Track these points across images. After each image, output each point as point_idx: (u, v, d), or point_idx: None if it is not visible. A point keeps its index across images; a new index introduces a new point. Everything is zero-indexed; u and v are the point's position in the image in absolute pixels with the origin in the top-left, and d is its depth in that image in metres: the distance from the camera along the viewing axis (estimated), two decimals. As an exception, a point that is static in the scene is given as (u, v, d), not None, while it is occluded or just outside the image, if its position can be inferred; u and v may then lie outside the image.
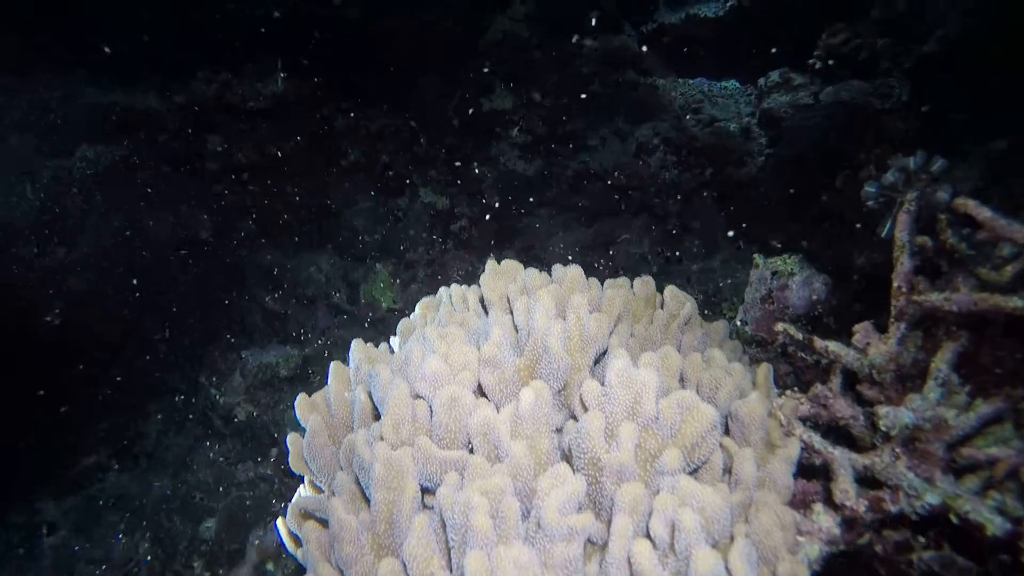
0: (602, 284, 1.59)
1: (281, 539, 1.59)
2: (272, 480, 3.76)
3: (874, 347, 1.35)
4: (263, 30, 3.98)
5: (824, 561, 1.13)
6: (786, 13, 4.41)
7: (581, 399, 1.15)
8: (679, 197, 3.84)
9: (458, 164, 4.38)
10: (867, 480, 1.26)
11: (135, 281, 4.18)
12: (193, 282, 4.31)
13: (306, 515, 1.43)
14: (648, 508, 1.00)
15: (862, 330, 1.36)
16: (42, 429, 4.30)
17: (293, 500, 1.53)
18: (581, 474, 1.06)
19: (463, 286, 1.62)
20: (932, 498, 1.19)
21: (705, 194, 3.84)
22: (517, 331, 1.38)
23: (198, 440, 4.15)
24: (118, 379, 4.37)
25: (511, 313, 1.45)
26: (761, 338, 2.18)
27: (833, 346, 1.38)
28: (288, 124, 4.36)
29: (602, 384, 1.13)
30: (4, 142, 3.56)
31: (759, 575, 0.89)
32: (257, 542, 3.38)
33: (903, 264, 1.33)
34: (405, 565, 1.01)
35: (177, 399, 4.29)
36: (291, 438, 1.49)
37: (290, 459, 1.50)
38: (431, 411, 1.19)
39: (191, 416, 4.24)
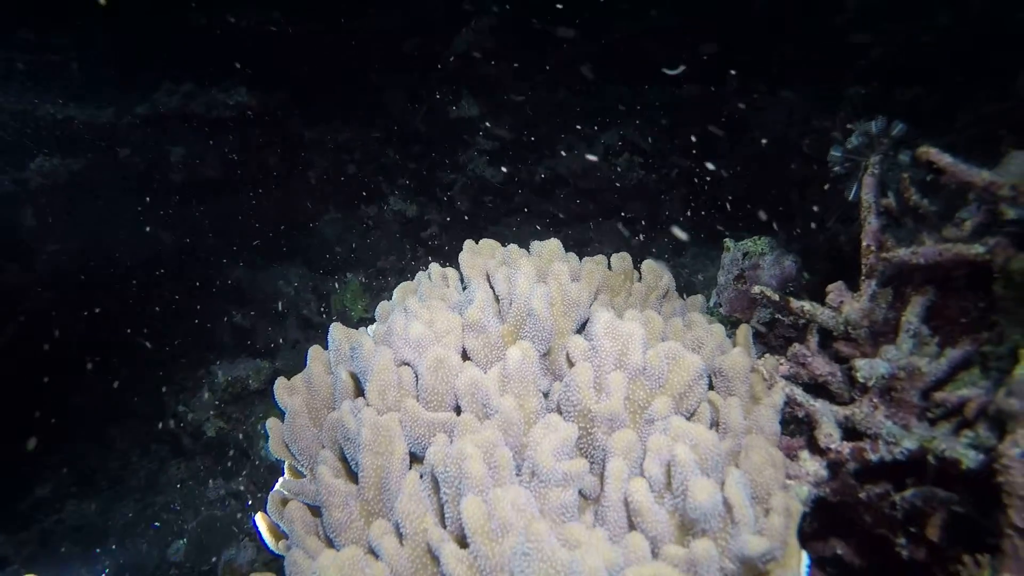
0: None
1: (260, 535, 1.53)
2: (244, 496, 3.64)
3: (847, 305, 1.39)
4: (228, 42, 3.95)
5: (813, 503, 1.14)
6: (744, 22, 4.57)
7: (568, 355, 1.15)
8: (648, 197, 3.91)
9: (426, 172, 4.39)
10: (848, 431, 1.28)
11: (95, 300, 4.04)
12: (157, 299, 4.19)
13: (287, 501, 1.39)
14: (640, 455, 1.00)
15: (835, 289, 1.40)
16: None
17: (273, 489, 1.49)
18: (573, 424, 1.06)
19: (442, 266, 1.61)
20: (909, 443, 1.22)
21: (673, 192, 3.91)
22: (499, 301, 1.37)
23: (165, 460, 4.00)
24: (77, 402, 4.20)
25: (492, 287, 1.45)
26: (736, 318, 2.22)
27: (808, 306, 1.41)
28: (253, 136, 4.32)
29: (588, 341, 1.14)
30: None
31: (753, 511, 0.90)
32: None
33: (871, 224, 1.38)
34: (397, 525, 0.99)
35: (142, 419, 4.13)
36: (271, 423, 1.46)
37: (270, 444, 1.46)
38: (416, 377, 1.18)
39: (157, 436, 4.08)
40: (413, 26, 4.47)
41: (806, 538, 1.43)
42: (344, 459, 1.26)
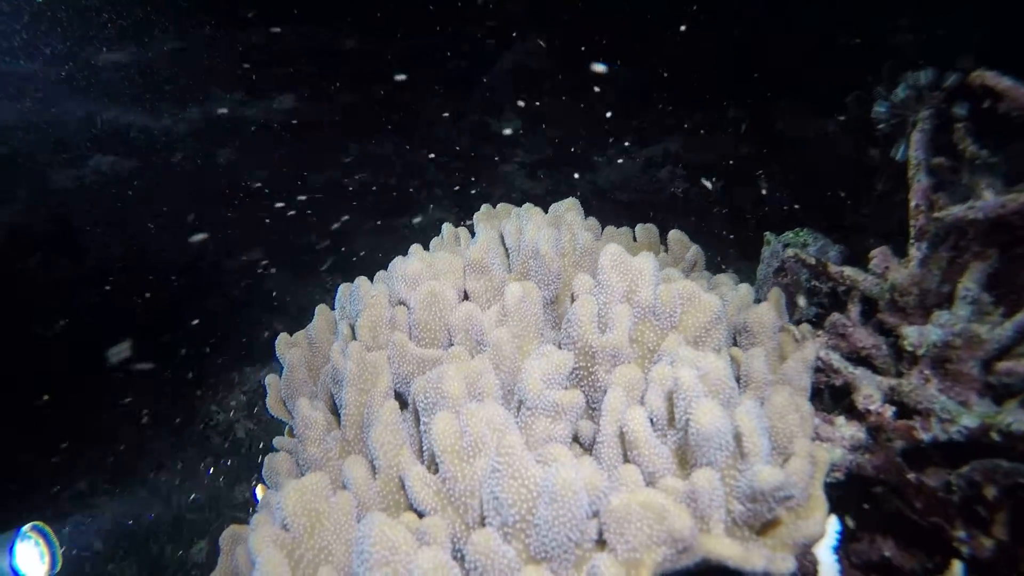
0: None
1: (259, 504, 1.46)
2: (266, 497, 3.60)
3: (894, 270, 1.25)
4: (279, 54, 4.10)
5: (848, 470, 1.00)
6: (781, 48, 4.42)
7: (572, 295, 1.05)
8: (690, 209, 3.80)
9: (466, 184, 4.39)
10: (895, 408, 1.13)
11: (139, 298, 4.16)
12: (198, 300, 4.27)
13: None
14: (643, 394, 0.89)
15: (880, 254, 1.26)
16: (33, 452, 4.19)
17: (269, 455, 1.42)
18: (574, 372, 0.96)
19: (456, 227, 1.55)
20: (968, 420, 1.06)
21: (715, 210, 3.79)
22: (508, 256, 1.29)
23: (195, 460, 4.01)
24: (116, 399, 4.29)
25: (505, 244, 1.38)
26: (775, 315, 2.08)
27: (849, 271, 1.28)
28: (298, 145, 4.43)
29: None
30: (21, 155, 3.63)
31: (769, 445, 0.77)
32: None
33: (920, 182, 1.25)
34: (372, 459, 0.90)
35: (176, 419, 4.18)
36: (270, 379, 1.40)
37: (268, 402, 1.40)
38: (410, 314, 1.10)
39: (190, 436, 4.11)
40: (460, 44, 4.55)
41: (848, 539, 1.27)
42: (335, 410, 1.18)
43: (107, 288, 3.95)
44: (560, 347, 1.02)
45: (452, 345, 1.05)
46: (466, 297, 1.15)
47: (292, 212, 4.48)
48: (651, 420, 0.83)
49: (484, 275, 1.13)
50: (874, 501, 1.18)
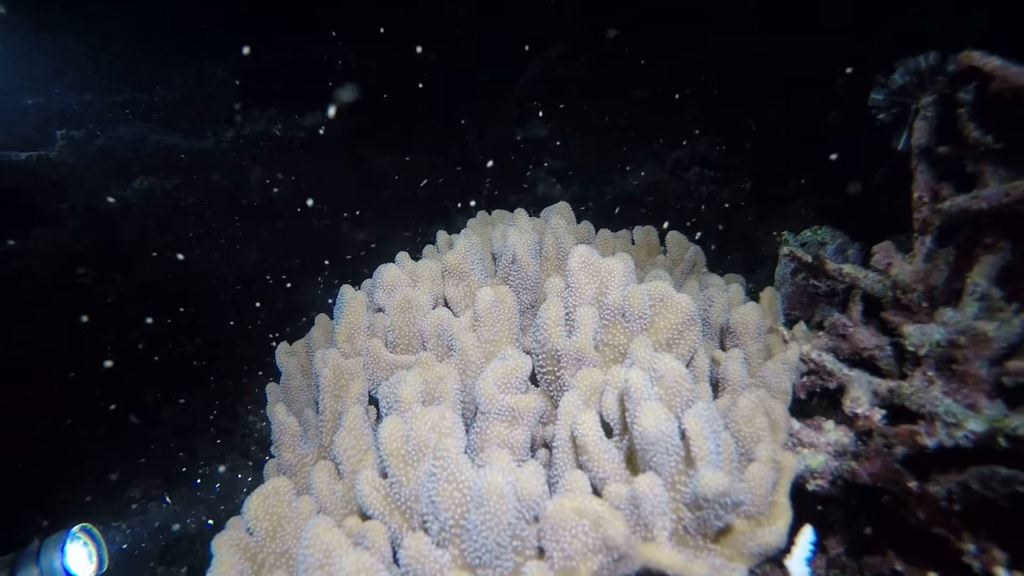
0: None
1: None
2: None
3: (897, 266, 1.18)
4: (309, 70, 4.23)
5: (833, 477, 0.94)
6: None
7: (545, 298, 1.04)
8: (719, 211, 3.70)
9: (495, 193, 4.42)
10: (898, 412, 1.07)
11: (185, 313, 4.34)
12: (241, 313, 4.43)
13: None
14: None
15: (882, 250, 1.20)
16: (91, 461, 4.40)
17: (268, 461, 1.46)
18: (541, 377, 0.95)
19: (450, 234, 1.55)
20: (976, 425, 0.99)
21: (745, 206, 3.68)
22: (496, 261, 1.29)
23: (239, 468, 4.15)
24: (167, 410, 4.47)
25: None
26: (795, 316, 1.99)
27: (848, 268, 1.21)
28: (331, 159, 4.55)
29: (568, 283, 1.03)
30: (71, 177, 3.85)
31: (717, 448, 0.74)
32: None
33: (923, 172, 1.18)
34: (338, 464, 0.91)
35: (220, 429, 4.33)
36: (270, 386, 1.43)
37: (267, 408, 1.43)
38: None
39: (233, 445, 4.25)
40: (487, 57, 4.59)
41: (861, 552, 1.21)
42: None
43: (154, 303, 4.14)
44: (529, 348, 1.01)
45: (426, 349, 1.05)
46: (447, 303, 1.15)
47: (327, 224, 4.60)
48: (610, 424, 0.81)
49: (462, 281, 1.13)
50: (883, 511, 1.12)
